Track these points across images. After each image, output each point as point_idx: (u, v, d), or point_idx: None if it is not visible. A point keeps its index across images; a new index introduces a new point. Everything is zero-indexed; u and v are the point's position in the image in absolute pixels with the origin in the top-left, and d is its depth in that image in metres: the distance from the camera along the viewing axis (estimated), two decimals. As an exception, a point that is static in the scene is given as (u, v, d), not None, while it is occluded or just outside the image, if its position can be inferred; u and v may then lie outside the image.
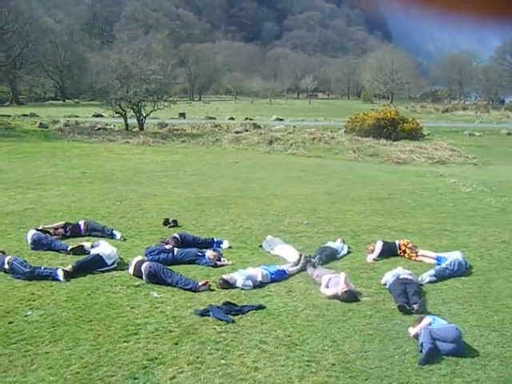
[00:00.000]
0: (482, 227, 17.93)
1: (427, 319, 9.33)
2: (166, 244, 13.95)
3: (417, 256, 13.99)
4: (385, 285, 11.63)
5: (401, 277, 11.49)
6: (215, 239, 14.77)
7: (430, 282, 12.09)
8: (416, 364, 8.41)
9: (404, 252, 14.17)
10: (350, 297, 10.90)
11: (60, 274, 11.59)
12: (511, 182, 27.68)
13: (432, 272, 12.41)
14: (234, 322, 9.79)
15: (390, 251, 14.18)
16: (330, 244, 14.41)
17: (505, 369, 8.40)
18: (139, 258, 12.43)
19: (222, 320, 9.77)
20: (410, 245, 14.26)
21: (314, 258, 13.06)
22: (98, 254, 12.52)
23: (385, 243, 14.22)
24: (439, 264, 13.24)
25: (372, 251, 14.08)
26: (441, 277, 12.34)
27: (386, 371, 8.18)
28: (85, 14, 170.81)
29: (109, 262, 12.48)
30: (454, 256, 13.12)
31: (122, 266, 12.73)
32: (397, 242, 14.45)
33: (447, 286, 11.95)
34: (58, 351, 8.50)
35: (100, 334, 9.14)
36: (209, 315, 9.93)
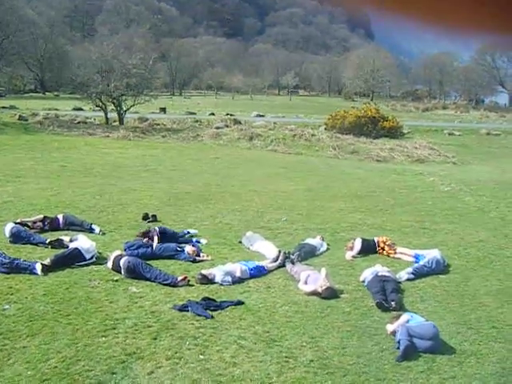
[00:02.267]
0: (460, 226, 18.06)
1: (405, 316, 9.38)
2: (147, 237, 13.94)
3: (395, 253, 14.07)
4: (363, 282, 11.69)
5: (379, 274, 11.56)
6: (193, 239, 14.74)
7: (407, 279, 12.16)
8: (393, 361, 8.46)
9: (382, 249, 14.25)
10: (330, 294, 10.93)
11: (38, 267, 11.52)
12: (490, 182, 27.88)
13: (410, 270, 12.49)
14: (212, 317, 9.79)
15: (368, 248, 14.24)
16: (309, 241, 14.46)
17: (481, 366, 8.48)
18: (118, 252, 12.39)
19: (200, 315, 9.77)
20: (388, 242, 14.34)
21: (293, 254, 13.06)
22: (76, 248, 12.45)
23: (364, 240, 14.28)
24: (417, 262, 13.33)
25: (351, 248, 14.14)
26: (419, 274, 12.42)
27: (363, 367, 8.22)
28: (66, 7, 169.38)
29: (87, 256, 12.42)
30: (432, 254, 13.20)
31: (100, 260, 12.68)
32: (376, 239, 14.52)
33: (425, 283, 12.04)
34: (36, 345, 8.46)
35: (78, 329, 9.10)
36: (187, 310, 9.93)
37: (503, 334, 9.70)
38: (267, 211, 18.56)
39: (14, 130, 40.83)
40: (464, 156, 39.64)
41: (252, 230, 15.41)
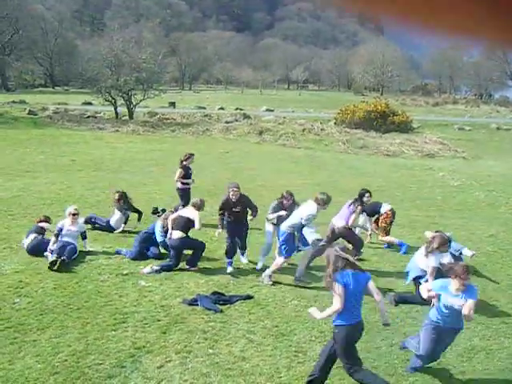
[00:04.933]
0: (470, 221, 18.03)
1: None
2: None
3: (384, 235, 14.21)
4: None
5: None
6: None
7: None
8: (402, 355, 8.47)
9: (377, 222, 14.41)
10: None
11: None
12: (499, 176, 27.79)
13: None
14: (222, 311, 9.82)
15: (374, 209, 14.40)
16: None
17: (490, 361, 8.48)
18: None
19: (210, 309, 9.81)
20: (388, 220, 14.33)
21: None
22: None
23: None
24: (402, 250, 13.99)
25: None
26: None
27: (372, 362, 8.23)
28: (75, 1, 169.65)
29: None
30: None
31: (110, 254, 12.75)
32: (384, 208, 14.50)
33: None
34: (46, 339, 8.51)
35: (88, 323, 9.14)
36: (197, 305, 9.96)
37: (513, 329, 9.69)
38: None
39: (24, 124, 40.94)
40: (474, 151, 39.50)
41: (261, 224, 15.39)
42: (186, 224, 12.20)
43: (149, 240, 13.06)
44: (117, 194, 15.25)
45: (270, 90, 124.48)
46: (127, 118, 47.04)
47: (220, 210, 12.46)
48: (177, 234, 12.05)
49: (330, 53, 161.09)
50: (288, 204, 12.36)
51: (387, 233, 14.29)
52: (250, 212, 12.51)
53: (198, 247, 12.36)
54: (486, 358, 8.62)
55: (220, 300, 10.26)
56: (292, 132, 41.74)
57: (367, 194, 12.87)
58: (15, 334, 8.65)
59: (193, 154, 16.61)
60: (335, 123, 47.98)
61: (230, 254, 12.28)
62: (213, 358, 8.16)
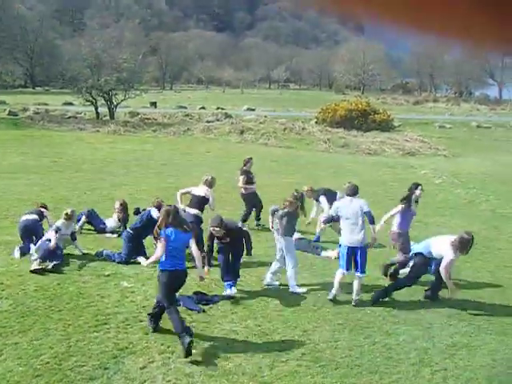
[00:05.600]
0: (452, 218, 18.15)
1: None
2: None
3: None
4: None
5: None
6: None
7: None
8: (385, 353, 8.51)
9: None
10: None
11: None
12: (480, 174, 27.97)
13: None
14: (204, 311, 9.81)
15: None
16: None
17: (472, 358, 8.54)
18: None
19: (192, 310, 9.79)
20: None
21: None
22: None
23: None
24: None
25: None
26: None
27: (355, 360, 8.26)
28: (56, 1, 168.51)
29: None
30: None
31: (92, 255, 12.70)
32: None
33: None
34: (28, 341, 8.45)
35: (70, 324, 9.10)
36: (179, 305, 9.93)
37: (494, 325, 9.77)
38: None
39: (4, 125, 40.65)
40: (455, 149, 39.71)
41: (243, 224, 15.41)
42: (201, 202, 12.92)
43: (136, 238, 12.89)
44: (118, 203, 15.24)
45: (252, 90, 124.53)
46: (108, 118, 46.83)
47: (208, 241, 11.13)
48: (193, 211, 12.73)
49: (311, 52, 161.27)
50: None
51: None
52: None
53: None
54: (467, 354, 8.68)
55: (202, 300, 10.26)
56: (273, 131, 41.74)
57: (420, 187, 12.70)
58: (-4, 336, 8.60)
59: (251, 158, 16.35)
60: (316, 122, 48.04)
61: (226, 275, 10.93)
62: (196, 357, 8.15)
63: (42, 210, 13.88)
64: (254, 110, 61.63)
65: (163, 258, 8.72)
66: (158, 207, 12.56)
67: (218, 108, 59.49)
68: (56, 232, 12.33)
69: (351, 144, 39.23)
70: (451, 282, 10.24)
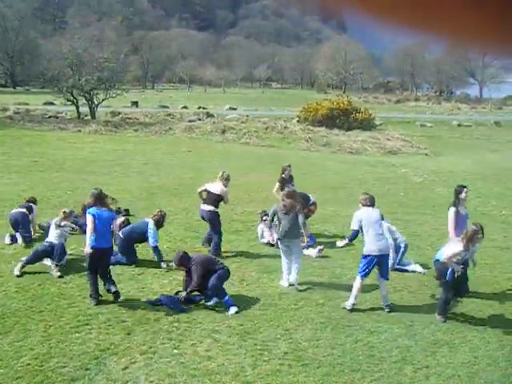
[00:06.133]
0: (433, 217, 18.22)
1: None
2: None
3: None
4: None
5: None
6: None
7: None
8: (367, 352, 8.53)
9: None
10: None
11: None
12: (461, 173, 28.11)
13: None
14: (185, 311, 9.79)
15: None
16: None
17: (454, 355, 8.59)
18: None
19: (174, 309, 9.77)
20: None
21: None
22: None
23: None
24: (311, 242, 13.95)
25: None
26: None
27: (337, 359, 8.28)
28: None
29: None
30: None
31: (72, 255, 12.63)
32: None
33: (397, 274, 12.13)
34: (8, 343, 8.40)
35: (51, 325, 9.05)
36: (161, 305, 9.92)
37: (475, 323, 9.84)
38: (240, 204, 18.57)
39: (-16, 125, 40.36)
40: (436, 147, 39.92)
41: (224, 223, 15.39)
42: (216, 198, 13.19)
43: (133, 239, 12.72)
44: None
45: (234, 89, 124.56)
46: (89, 117, 46.62)
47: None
48: (208, 207, 13.15)
49: (293, 51, 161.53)
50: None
51: None
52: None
53: (217, 231, 13.22)
54: (449, 351, 8.73)
55: (184, 299, 10.24)
56: (255, 130, 41.74)
57: (465, 189, 12.61)
58: (-24, 338, 8.54)
59: (289, 166, 16.03)
60: (298, 121, 48.11)
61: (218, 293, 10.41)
62: (178, 358, 8.14)
63: (32, 205, 14.52)
64: (235, 109, 61.69)
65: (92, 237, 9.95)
66: (158, 221, 12.68)
67: (199, 107, 59.47)
68: (60, 226, 12.26)
69: (333, 143, 39.30)
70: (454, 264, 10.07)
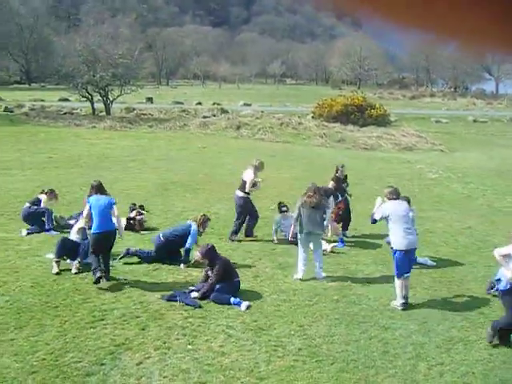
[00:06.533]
0: (448, 213, 18.15)
1: None
2: None
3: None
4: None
5: None
6: None
7: None
8: (381, 348, 8.51)
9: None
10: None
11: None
12: (477, 169, 27.99)
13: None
14: (200, 306, 9.81)
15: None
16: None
17: (468, 352, 8.54)
18: None
19: (189, 305, 9.78)
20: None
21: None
22: None
23: None
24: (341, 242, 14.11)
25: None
26: None
27: (352, 355, 8.26)
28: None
29: None
30: None
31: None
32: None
33: (412, 270, 12.07)
34: (24, 338, 8.44)
35: (66, 320, 9.09)
36: (176, 300, 9.93)
37: (491, 320, 9.75)
38: (254, 200, 18.53)
39: (0, 121, 40.56)
40: (451, 143, 39.73)
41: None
42: (244, 184, 14.11)
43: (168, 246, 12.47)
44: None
45: (248, 85, 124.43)
46: (104, 113, 46.77)
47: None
48: (237, 193, 14.23)
49: (308, 47, 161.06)
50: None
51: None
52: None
53: (252, 215, 14.45)
54: (464, 348, 8.68)
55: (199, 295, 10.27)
56: (270, 126, 41.70)
57: None
58: (-8, 333, 8.59)
59: (343, 166, 15.91)
60: (313, 117, 48.03)
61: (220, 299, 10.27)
62: (192, 353, 8.14)
63: (40, 196, 14.85)
64: (250, 105, 61.63)
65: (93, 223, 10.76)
66: (200, 225, 12.52)
67: (214, 103, 59.48)
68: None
69: (348, 139, 39.22)
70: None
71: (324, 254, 12.43)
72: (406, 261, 10.19)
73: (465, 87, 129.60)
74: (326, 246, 13.35)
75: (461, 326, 9.46)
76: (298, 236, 11.77)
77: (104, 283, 10.58)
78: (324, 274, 11.51)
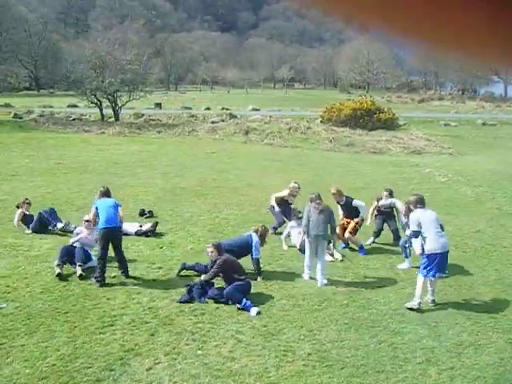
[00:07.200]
0: (457, 217, 18.10)
1: None
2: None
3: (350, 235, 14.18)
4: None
5: None
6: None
7: None
8: (391, 353, 8.49)
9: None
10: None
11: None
12: (486, 172, 27.89)
13: None
14: (207, 302, 9.90)
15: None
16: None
17: (479, 356, 8.51)
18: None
19: (196, 301, 9.92)
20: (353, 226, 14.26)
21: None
22: None
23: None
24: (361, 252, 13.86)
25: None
26: None
27: (361, 360, 8.25)
28: (59, 3, 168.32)
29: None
30: None
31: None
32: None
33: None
34: (34, 343, 8.47)
35: (76, 326, 9.11)
36: (192, 297, 10.08)
37: (501, 324, 9.74)
38: (264, 205, 18.55)
39: (9, 127, 40.72)
40: (460, 147, 39.62)
41: (249, 224, 15.41)
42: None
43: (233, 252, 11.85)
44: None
45: (256, 90, 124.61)
46: (113, 119, 46.90)
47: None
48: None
49: (316, 51, 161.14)
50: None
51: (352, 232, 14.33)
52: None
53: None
54: (474, 353, 8.65)
55: (211, 295, 10.34)
56: (278, 131, 41.67)
57: None
58: (3, 339, 8.61)
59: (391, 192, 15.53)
60: (321, 121, 47.99)
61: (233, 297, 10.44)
62: (202, 359, 8.15)
63: (18, 212, 15.27)
64: (258, 110, 61.66)
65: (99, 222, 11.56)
66: (262, 235, 12.40)
67: (222, 108, 59.51)
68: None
69: (356, 143, 39.16)
70: None
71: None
72: (439, 263, 10.31)
73: (473, 90, 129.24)
74: (338, 256, 13.31)
75: (471, 330, 9.43)
76: (306, 240, 11.80)
77: (115, 290, 10.66)
78: (325, 281, 11.49)
